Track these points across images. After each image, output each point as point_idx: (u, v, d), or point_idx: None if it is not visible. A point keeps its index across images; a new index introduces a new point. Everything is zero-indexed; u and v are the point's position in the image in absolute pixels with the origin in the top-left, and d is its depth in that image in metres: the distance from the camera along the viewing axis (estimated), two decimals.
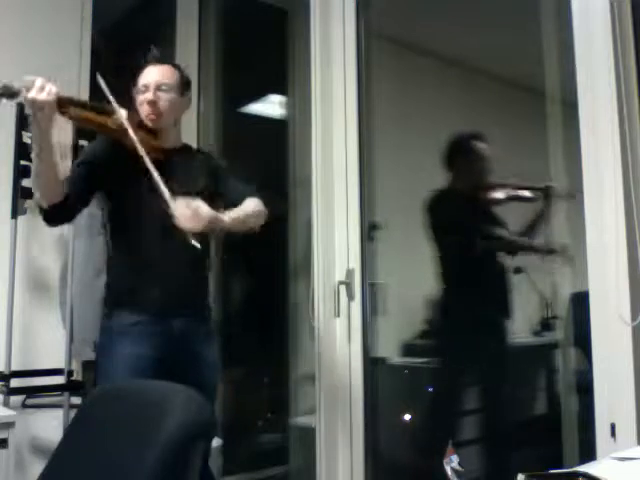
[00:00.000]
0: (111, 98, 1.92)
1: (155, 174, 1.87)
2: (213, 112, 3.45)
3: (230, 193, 2.12)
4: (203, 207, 1.86)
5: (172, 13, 3.42)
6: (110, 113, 1.93)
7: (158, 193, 1.86)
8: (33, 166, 1.85)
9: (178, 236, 1.85)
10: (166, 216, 1.84)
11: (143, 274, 2.00)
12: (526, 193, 2.60)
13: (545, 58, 2.47)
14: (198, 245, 1.83)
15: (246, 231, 2.04)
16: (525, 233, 2.63)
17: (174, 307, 2.01)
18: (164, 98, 2.04)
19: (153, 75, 2.05)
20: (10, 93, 1.73)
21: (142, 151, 1.89)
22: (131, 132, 1.91)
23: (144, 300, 1.98)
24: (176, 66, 2.14)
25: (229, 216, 1.96)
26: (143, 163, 1.89)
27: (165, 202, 1.84)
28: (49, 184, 1.85)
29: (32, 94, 1.72)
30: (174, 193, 1.86)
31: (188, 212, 1.82)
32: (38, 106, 1.74)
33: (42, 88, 1.74)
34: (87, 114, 1.92)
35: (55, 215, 1.93)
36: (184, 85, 2.12)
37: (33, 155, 1.83)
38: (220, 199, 2.07)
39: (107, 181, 2.01)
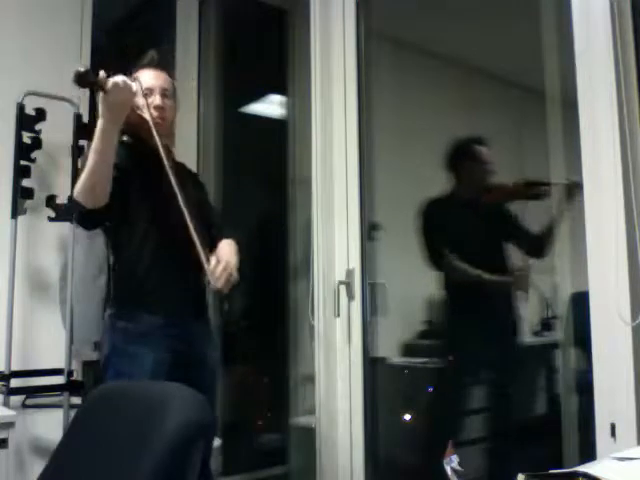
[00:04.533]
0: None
1: (182, 202, 1.81)
2: (213, 112, 3.45)
3: (216, 226, 2.13)
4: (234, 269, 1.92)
5: (172, 13, 3.41)
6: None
7: (175, 202, 1.82)
8: (89, 163, 1.73)
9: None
10: (180, 224, 1.83)
11: (157, 278, 2.00)
12: (538, 190, 2.53)
13: (545, 58, 2.47)
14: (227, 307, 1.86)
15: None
16: (544, 234, 2.57)
17: (186, 311, 2.03)
18: (168, 104, 2.06)
19: (157, 79, 2.06)
20: (90, 82, 1.69)
21: (161, 150, 1.84)
22: (153, 128, 1.87)
23: (160, 303, 1.98)
24: (168, 72, 2.16)
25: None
26: (165, 173, 1.85)
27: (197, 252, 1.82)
28: (101, 183, 1.76)
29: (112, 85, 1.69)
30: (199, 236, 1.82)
31: (223, 276, 1.86)
32: (119, 99, 1.71)
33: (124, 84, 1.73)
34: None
35: (95, 218, 1.87)
36: (175, 92, 2.14)
37: (91, 151, 1.73)
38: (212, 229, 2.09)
39: (131, 185, 1.95)
